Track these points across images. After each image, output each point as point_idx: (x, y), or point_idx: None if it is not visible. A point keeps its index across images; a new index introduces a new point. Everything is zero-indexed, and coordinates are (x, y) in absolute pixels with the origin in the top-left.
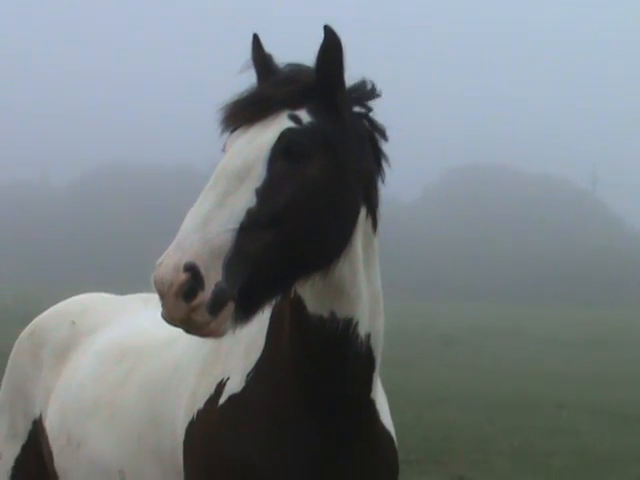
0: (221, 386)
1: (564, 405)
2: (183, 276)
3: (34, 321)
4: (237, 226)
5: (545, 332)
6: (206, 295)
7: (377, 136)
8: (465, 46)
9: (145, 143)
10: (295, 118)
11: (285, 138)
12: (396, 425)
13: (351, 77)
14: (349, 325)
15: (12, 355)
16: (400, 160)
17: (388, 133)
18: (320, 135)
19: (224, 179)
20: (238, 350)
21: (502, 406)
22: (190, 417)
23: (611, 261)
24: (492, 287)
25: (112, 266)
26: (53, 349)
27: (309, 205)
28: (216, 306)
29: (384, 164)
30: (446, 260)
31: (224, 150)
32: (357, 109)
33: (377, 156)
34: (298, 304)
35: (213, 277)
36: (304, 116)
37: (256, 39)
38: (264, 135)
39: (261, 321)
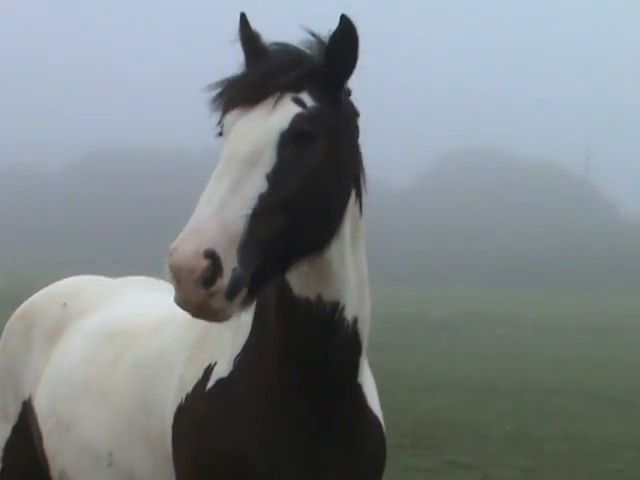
0: (209, 371)
1: (557, 390)
2: (204, 262)
3: (25, 302)
4: (250, 212)
5: (539, 318)
6: (224, 281)
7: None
8: (462, 34)
9: (140, 128)
10: (299, 101)
11: (294, 123)
12: (390, 409)
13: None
14: (336, 309)
15: (3, 336)
16: (394, 146)
17: (384, 120)
18: (324, 120)
19: (236, 164)
20: (226, 335)
21: (495, 391)
22: (178, 402)
23: (605, 247)
24: (486, 273)
25: (106, 251)
26: (44, 330)
27: (315, 189)
28: (233, 292)
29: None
30: (440, 246)
31: (222, 130)
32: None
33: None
34: (284, 287)
35: (230, 263)
36: (307, 99)
37: (243, 18)
38: (272, 119)
39: None
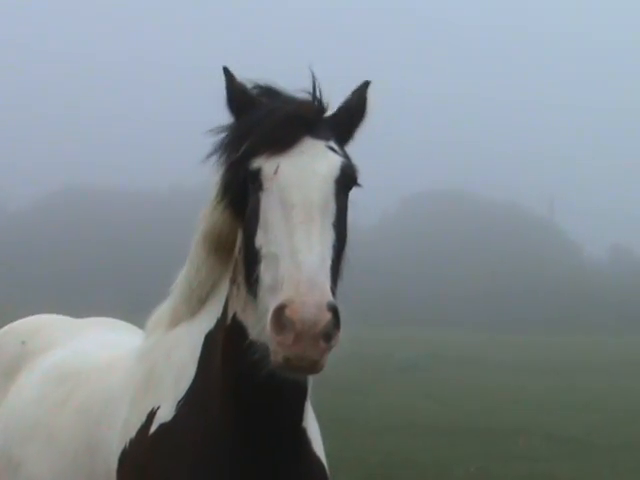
0: (152, 415)
1: (520, 431)
2: (328, 315)
3: None
4: (331, 263)
5: (502, 359)
6: (339, 335)
7: None
8: (425, 78)
9: (106, 166)
10: (334, 150)
11: (345, 172)
12: (355, 450)
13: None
14: None
15: None
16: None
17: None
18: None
19: (317, 213)
20: (168, 378)
21: (459, 432)
22: (123, 446)
23: (569, 289)
24: (450, 314)
25: (68, 288)
26: (2, 368)
27: (346, 237)
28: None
29: None
30: (404, 286)
31: (259, 173)
32: None
33: None
34: (239, 331)
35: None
36: (337, 148)
37: (227, 72)
38: (323, 166)
39: (191, 348)
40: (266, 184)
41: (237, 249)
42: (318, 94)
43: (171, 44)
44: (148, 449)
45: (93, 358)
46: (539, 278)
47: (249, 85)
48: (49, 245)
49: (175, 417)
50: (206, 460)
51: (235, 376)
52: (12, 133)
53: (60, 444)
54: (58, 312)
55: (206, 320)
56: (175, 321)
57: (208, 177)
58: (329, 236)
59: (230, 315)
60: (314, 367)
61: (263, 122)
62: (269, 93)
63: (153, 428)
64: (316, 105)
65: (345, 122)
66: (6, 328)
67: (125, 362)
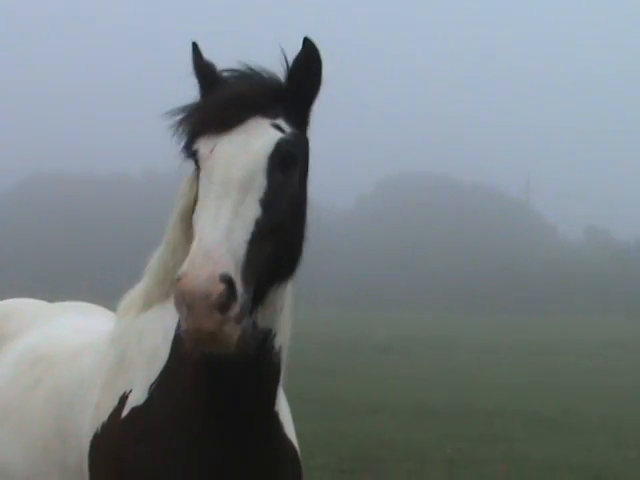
0: (124, 398)
1: (497, 413)
2: (220, 287)
3: None
4: (249, 237)
5: (478, 341)
6: (237, 306)
7: None
8: (403, 57)
9: (77, 152)
10: (278, 127)
11: (281, 148)
12: (331, 433)
13: None
14: (268, 336)
15: None
16: (335, 169)
17: (325, 144)
18: (300, 145)
19: (234, 188)
20: (141, 361)
21: (436, 415)
22: (94, 430)
23: (544, 269)
24: (426, 297)
25: (44, 277)
26: None
27: (295, 215)
28: (242, 317)
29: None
30: (381, 270)
31: (196, 154)
32: None
33: None
34: None
35: (239, 288)
36: (284, 125)
37: (195, 47)
38: (257, 143)
39: (163, 331)
40: (202, 164)
41: None
42: (271, 73)
43: (149, 22)
44: (120, 432)
45: (65, 342)
46: (515, 259)
47: (223, 66)
48: (21, 232)
49: (147, 400)
50: (178, 443)
51: (204, 359)
52: None
53: (31, 428)
54: (33, 296)
55: None
56: (148, 303)
57: (178, 160)
58: (249, 211)
59: None
60: (215, 340)
61: (208, 104)
62: (238, 74)
63: (125, 412)
64: (267, 84)
65: (297, 93)
66: None
67: (97, 346)
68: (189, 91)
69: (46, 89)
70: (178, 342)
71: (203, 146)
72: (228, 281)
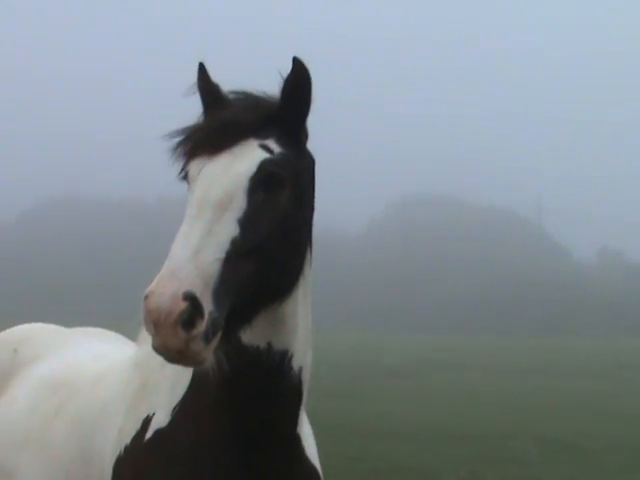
0: (147, 421)
1: (510, 435)
2: (183, 304)
3: None
4: (223, 255)
5: (490, 363)
6: (204, 324)
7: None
8: (413, 76)
9: (92, 177)
10: (266, 148)
11: (264, 169)
12: (343, 457)
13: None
14: (284, 357)
15: None
16: (346, 191)
17: (337, 164)
18: (290, 166)
19: (209, 208)
20: (164, 385)
21: (449, 437)
22: (117, 453)
23: (556, 290)
24: (438, 318)
25: (58, 302)
26: None
27: (282, 236)
28: (211, 335)
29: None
30: (392, 293)
31: (187, 176)
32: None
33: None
34: None
35: (207, 306)
36: (274, 146)
37: (202, 68)
38: (240, 164)
39: None
40: (191, 186)
41: None
42: (267, 95)
43: (156, 57)
44: (143, 455)
45: (85, 368)
46: (527, 282)
47: (227, 89)
48: (36, 254)
49: (170, 423)
50: (201, 465)
51: (232, 380)
52: None
53: (53, 454)
54: (46, 321)
55: None
56: None
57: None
58: (225, 230)
59: None
60: (183, 357)
61: (202, 127)
62: (236, 96)
63: (148, 434)
64: (260, 106)
65: (289, 112)
66: None
67: (118, 371)
68: (196, 112)
69: (60, 113)
70: None
71: (193, 168)
72: (192, 299)
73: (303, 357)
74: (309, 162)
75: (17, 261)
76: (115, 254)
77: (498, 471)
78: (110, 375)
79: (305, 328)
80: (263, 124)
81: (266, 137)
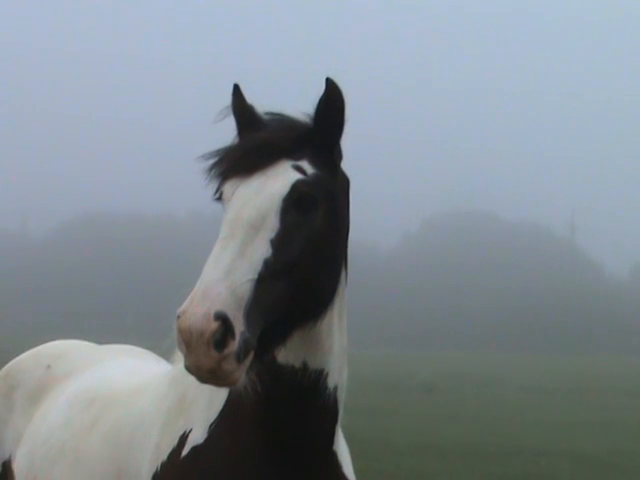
0: (184, 438)
1: (543, 452)
2: (214, 325)
3: (10, 363)
4: (256, 276)
5: (524, 380)
6: (236, 344)
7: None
8: (445, 93)
9: (124, 192)
10: (300, 169)
11: (297, 190)
12: (376, 473)
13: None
14: (320, 376)
15: None
16: (379, 208)
17: (369, 181)
18: (324, 187)
19: (241, 229)
20: (202, 401)
21: (482, 454)
22: (154, 469)
23: (589, 308)
24: (472, 335)
25: (91, 315)
26: (27, 391)
27: (315, 256)
28: (243, 355)
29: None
30: (426, 308)
31: (221, 198)
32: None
33: None
34: None
35: (238, 326)
36: (307, 167)
37: (237, 89)
38: (273, 185)
39: None
40: (225, 206)
41: None
42: (301, 116)
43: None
44: (180, 472)
45: (119, 383)
46: (561, 298)
47: (261, 110)
48: (67, 271)
49: (207, 440)
50: None
51: (269, 398)
52: (26, 163)
53: (87, 468)
54: (80, 337)
55: None
56: None
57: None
58: (257, 251)
59: None
60: (215, 377)
61: (236, 148)
62: (270, 118)
63: (185, 451)
64: (294, 127)
65: (322, 133)
66: (31, 352)
67: (155, 387)
68: (231, 131)
69: (93, 130)
70: None
71: (227, 189)
72: (223, 319)
73: (339, 376)
74: (343, 182)
75: (49, 277)
76: (147, 271)
77: None
78: (146, 390)
79: (341, 347)
80: (297, 145)
81: (300, 158)
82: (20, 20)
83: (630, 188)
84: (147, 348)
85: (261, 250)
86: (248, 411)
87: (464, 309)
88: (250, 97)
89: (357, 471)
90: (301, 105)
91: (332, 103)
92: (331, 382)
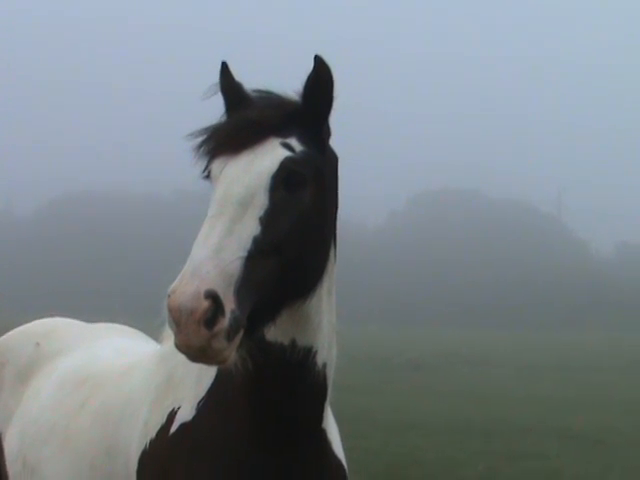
0: (172, 415)
1: (529, 430)
2: (205, 303)
3: None
4: (245, 254)
5: (510, 357)
6: (226, 322)
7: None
8: (435, 70)
9: (110, 171)
10: (288, 146)
11: (285, 167)
12: (363, 451)
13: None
14: (309, 354)
15: None
16: (366, 185)
17: (356, 157)
18: (313, 164)
19: (230, 207)
20: (190, 378)
21: (468, 431)
22: (143, 447)
23: (576, 285)
24: (458, 312)
25: (77, 294)
26: (16, 369)
27: (305, 233)
28: (233, 333)
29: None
30: (412, 285)
31: (210, 176)
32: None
33: None
34: None
35: (228, 304)
36: (295, 144)
37: (225, 67)
38: (262, 163)
39: None
40: (213, 185)
41: None
42: (290, 94)
43: (172, 46)
44: (168, 449)
45: (109, 363)
46: (547, 275)
47: (249, 87)
48: (52, 250)
49: (195, 416)
50: (226, 459)
51: (257, 376)
52: (11, 142)
53: (77, 447)
54: (67, 315)
55: None
56: None
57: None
58: (246, 229)
59: None
60: (205, 355)
61: (225, 126)
62: (259, 96)
63: (173, 428)
64: (282, 104)
65: (311, 111)
66: (20, 329)
67: (144, 366)
68: (219, 110)
69: (78, 109)
70: None
71: (216, 167)
72: (213, 297)
73: (327, 353)
74: (331, 160)
75: (34, 257)
76: (132, 250)
77: (518, 466)
78: (136, 369)
79: (329, 324)
80: (285, 123)
81: (288, 135)
82: None
83: (616, 166)
84: (134, 327)
85: (250, 228)
86: (237, 388)
87: (451, 286)
88: (240, 73)
89: (344, 449)
90: (294, 80)
91: (321, 81)
92: (320, 359)
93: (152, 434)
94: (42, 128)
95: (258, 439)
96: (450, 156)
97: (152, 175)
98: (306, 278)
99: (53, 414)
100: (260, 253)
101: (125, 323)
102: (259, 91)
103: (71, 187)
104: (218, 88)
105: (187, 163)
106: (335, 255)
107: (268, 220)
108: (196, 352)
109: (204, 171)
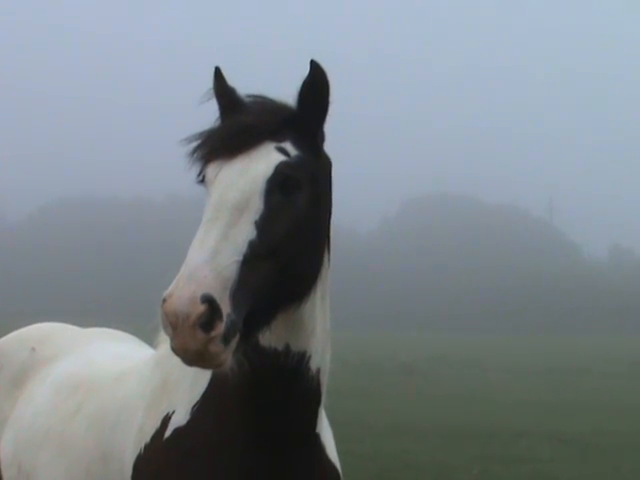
0: (167, 419)
1: (523, 433)
2: (201, 307)
3: None
4: (241, 258)
5: (503, 361)
6: (222, 325)
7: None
8: (431, 76)
9: (102, 177)
10: (283, 151)
11: (280, 171)
12: (355, 456)
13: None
14: (302, 359)
15: None
16: (358, 191)
17: (349, 165)
18: (307, 169)
19: (225, 211)
20: (184, 383)
21: (461, 436)
22: (137, 452)
23: (568, 289)
24: (450, 317)
25: (66, 300)
26: (11, 374)
27: (300, 237)
28: (229, 337)
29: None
30: (404, 290)
31: (204, 180)
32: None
33: None
34: None
35: (225, 308)
36: (290, 149)
37: (218, 71)
38: (257, 167)
39: None
40: (208, 189)
41: None
42: (284, 98)
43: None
44: (163, 453)
45: (104, 368)
46: (540, 279)
47: (243, 93)
48: (45, 255)
49: (190, 421)
50: (220, 463)
51: (251, 381)
52: (4, 148)
53: (73, 453)
54: (60, 321)
55: None
56: None
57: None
58: (242, 233)
59: None
60: (202, 359)
61: (219, 131)
62: (253, 100)
63: (168, 432)
64: (277, 109)
65: (306, 116)
66: (15, 334)
67: (139, 371)
68: (212, 115)
69: (71, 115)
70: None
71: (211, 172)
72: (210, 301)
73: (321, 358)
74: (326, 164)
75: (26, 262)
76: (125, 255)
77: (511, 469)
78: (131, 374)
79: (323, 329)
80: (280, 127)
81: (283, 140)
82: None
83: (608, 170)
84: (128, 332)
85: (245, 232)
86: (231, 393)
87: (443, 291)
88: (234, 78)
89: (337, 453)
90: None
91: (317, 85)
92: (314, 364)
93: (147, 439)
94: (35, 134)
95: (252, 443)
96: (442, 162)
97: (144, 180)
98: (301, 282)
99: (48, 419)
100: (256, 257)
101: (119, 328)
102: (253, 96)
103: (64, 193)
104: (212, 93)
105: (179, 168)
106: (329, 260)
107: (263, 224)
108: (193, 356)
109: (199, 175)
